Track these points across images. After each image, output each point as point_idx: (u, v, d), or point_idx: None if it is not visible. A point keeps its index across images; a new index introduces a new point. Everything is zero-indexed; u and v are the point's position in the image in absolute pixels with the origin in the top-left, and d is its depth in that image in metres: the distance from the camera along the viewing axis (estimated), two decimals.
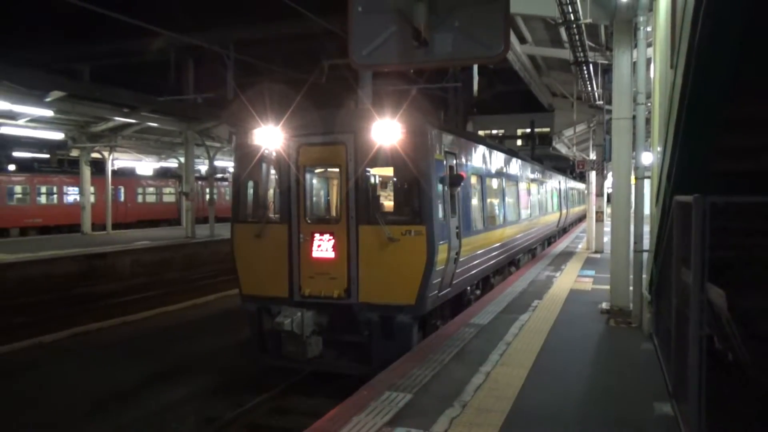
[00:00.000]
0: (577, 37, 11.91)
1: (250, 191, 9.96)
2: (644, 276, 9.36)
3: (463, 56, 3.88)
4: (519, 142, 44.96)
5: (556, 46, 15.64)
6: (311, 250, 8.97)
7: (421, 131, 8.65)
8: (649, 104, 9.74)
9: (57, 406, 8.79)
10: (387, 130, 8.48)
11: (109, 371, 10.26)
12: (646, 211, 9.84)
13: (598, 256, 19.91)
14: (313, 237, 8.97)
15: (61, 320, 14.05)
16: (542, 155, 34.36)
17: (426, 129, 8.73)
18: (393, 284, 8.59)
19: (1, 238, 26.30)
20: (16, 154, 35.13)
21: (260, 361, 9.61)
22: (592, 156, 23.02)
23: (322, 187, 10.73)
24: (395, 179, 9.56)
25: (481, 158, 12.57)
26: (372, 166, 9.00)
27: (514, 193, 16.30)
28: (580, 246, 23.50)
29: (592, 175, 22.53)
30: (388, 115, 8.54)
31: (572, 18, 10.53)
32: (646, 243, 9.45)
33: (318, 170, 9.99)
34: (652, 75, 9.17)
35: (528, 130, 38.75)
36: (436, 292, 9.00)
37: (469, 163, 11.30)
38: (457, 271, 9.92)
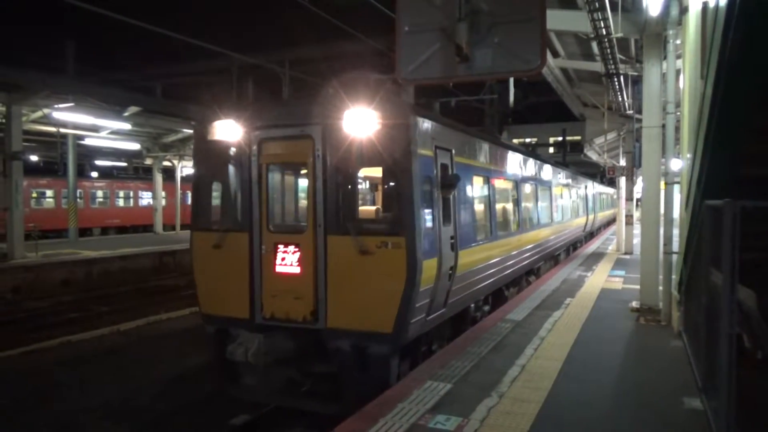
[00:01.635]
0: (608, 50, 11.67)
1: (210, 194, 8.13)
2: (673, 276, 9.08)
3: (501, 70, 3.86)
4: (551, 150, 44.15)
5: (588, 59, 15.35)
6: (274, 264, 7.11)
7: (401, 121, 6.66)
8: (678, 113, 9.47)
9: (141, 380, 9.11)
10: (361, 120, 6.63)
11: (179, 354, 10.55)
12: (675, 214, 9.56)
13: (628, 257, 19.39)
14: (276, 248, 7.12)
15: (137, 310, 14.54)
16: (573, 162, 33.67)
17: (408, 118, 6.70)
18: (367, 307, 6.70)
19: (84, 237, 27.37)
20: (98, 162, 36.61)
21: (223, 391, 7.75)
22: (622, 162, 22.49)
23: (289, 189, 8.51)
24: (371, 179, 8.15)
25: (488, 157, 10.31)
26: (344, 164, 7.10)
27: (531, 197, 14.00)
28: (610, 247, 22.93)
29: (622, 181, 21.99)
30: (364, 102, 6.66)
31: (604, 33, 10.33)
32: (675, 245, 9.18)
33: (285, 169, 8.15)
34: (681, 85, 8.92)
35: (560, 138, 38.04)
36: (423, 315, 7.04)
37: (471, 161, 9.19)
38: (454, 288, 7.90)
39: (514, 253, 11.56)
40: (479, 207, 9.77)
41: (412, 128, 6.74)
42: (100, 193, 32.04)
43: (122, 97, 20.74)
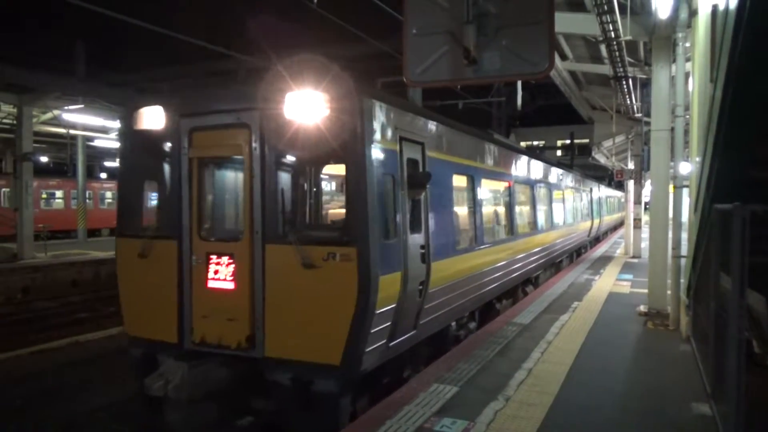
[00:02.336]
0: (617, 53, 11.63)
1: (137, 194, 7.09)
2: (682, 280, 9.02)
3: (509, 73, 3.84)
4: (559, 153, 44.05)
5: (596, 62, 15.29)
6: (206, 278, 6.03)
7: (351, 104, 5.48)
8: (687, 116, 9.42)
9: None
10: (305, 104, 5.49)
11: None
12: (684, 218, 9.50)
13: (635, 260, 19.28)
14: (208, 259, 6.03)
15: None
16: (581, 165, 33.55)
17: (357, 101, 5.52)
18: (310, 334, 5.60)
19: (93, 238, 27.52)
20: (107, 163, 36.81)
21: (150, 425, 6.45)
22: (630, 166, 22.37)
23: (226, 188, 7.20)
24: (317, 176, 6.96)
25: (475, 154, 9.16)
26: (286, 157, 6.26)
27: (526, 200, 12.84)
28: (618, 251, 22.82)
29: (630, 184, 21.89)
30: (309, 83, 5.52)
31: (613, 36, 10.29)
32: (684, 249, 9.13)
33: (220, 164, 6.95)
34: (690, 89, 8.88)
35: (568, 141, 37.94)
36: (384, 342, 5.95)
37: (451, 158, 8.01)
38: (427, 306, 6.84)
39: (506, 262, 10.43)
40: (462, 211, 8.69)
41: (365, 114, 5.55)
42: (109, 194, 32.23)
43: (131, 98, 20.82)
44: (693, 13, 8.33)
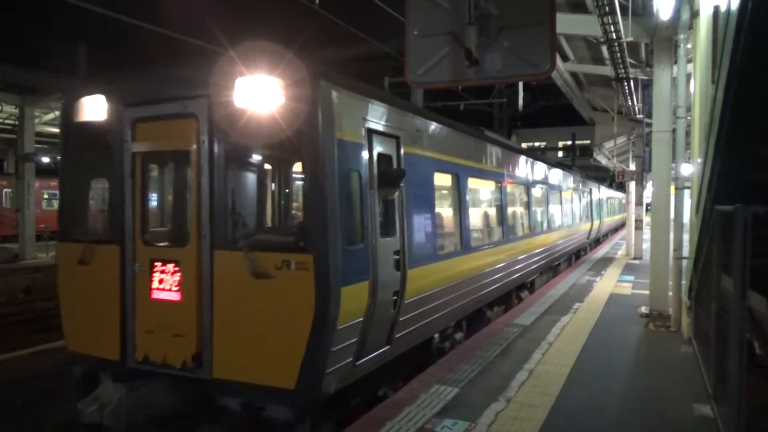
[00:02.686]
0: (618, 54, 11.64)
1: (81, 193, 6.35)
2: (683, 282, 9.01)
3: (511, 74, 3.83)
4: (560, 154, 44.08)
5: (598, 63, 15.30)
6: (150, 288, 5.41)
7: (307, 91, 4.86)
8: (688, 118, 9.42)
9: None
10: (256, 91, 4.89)
11: None
12: (685, 219, 9.50)
13: (637, 262, 19.26)
14: (152, 267, 5.41)
15: None
16: (583, 166, 33.54)
17: (317, 88, 4.91)
18: (262, 352, 4.98)
19: None
20: None
21: None
22: (632, 167, 22.37)
23: (174, 187, 6.49)
24: (270, 173, 6.33)
25: (459, 150, 8.45)
26: (237, 151, 5.59)
27: (520, 201, 12.18)
28: (619, 252, 22.80)
29: (632, 185, 21.89)
30: (262, 67, 4.89)
31: (614, 37, 10.31)
32: (686, 250, 9.12)
33: (166, 159, 6.28)
34: (691, 90, 8.88)
35: (569, 143, 37.94)
36: (349, 360, 5.33)
37: (434, 154, 7.36)
38: (404, 318, 6.22)
39: (497, 267, 9.81)
40: (446, 213, 8.10)
41: (323, 102, 4.95)
42: None
43: None
44: (694, 14, 8.33)
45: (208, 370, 5.16)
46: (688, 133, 10.02)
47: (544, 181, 14.49)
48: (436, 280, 7.13)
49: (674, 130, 9.79)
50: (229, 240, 5.22)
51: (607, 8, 9.29)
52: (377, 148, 5.82)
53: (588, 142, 33.75)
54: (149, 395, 5.29)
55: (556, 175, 16.24)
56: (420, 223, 6.80)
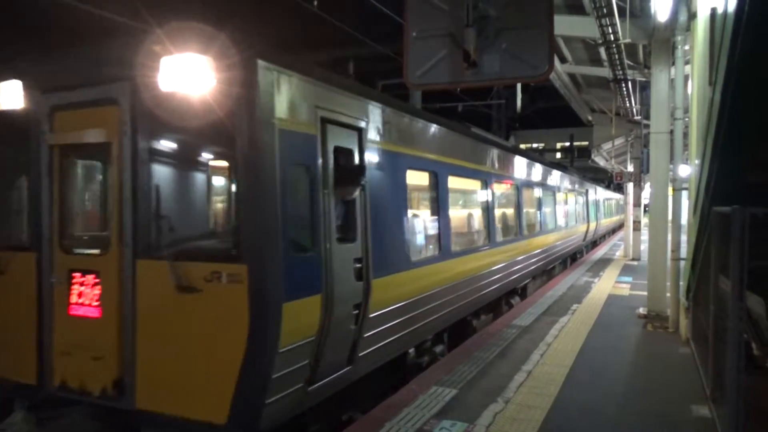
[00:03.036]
0: (616, 56, 11.66)
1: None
2: (681, 283, 9.03)
3: (509, 76, 3.86)
4: (559, 155, 44.13)
5: (596, 64, 15.33)
6: (68, 303, 4.70)
7: (243, 72, 4.19)
8: (686, 119, 9.44)
9: None
10: (186, 71, 4.19)
11: None
12: (683, 220, 9.53)
13: (635, 263, 19.29)
14: (71, 278, 4.71)
15: None
16: (581, 167, 33.58)
17: (256, 69, 4.22)
18: (190, 380, 4.31)
19: None
20: None
21: None
22: (630, 168, 22.41)
23: (98, 185, 5.59)
24: (203, 169, 5.44)
25: (439, 145, 7.71)
26: (164, 144, 4.88)
27: (510, 202, 11.44)
28: (617, 253, 22.84)
29: (630, 187, 21.92)
30: (193, 44, 4.23)
31: (612, 38, 10.33)
32: (683, 251, 9.14)
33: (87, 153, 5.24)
34: (689, 91, 8.91)
35: (567, 144, 38.01)
36: (299, 386, 4.62)
37: (405, 149, 6.62)
38: (369, 334, 5.56)
39: (484, 273, 9.14)
40: (421, 215, 7.43)
41: (262, 84, 4.26)
42: None
43: None
44: (692, 16, 8.35)
45: (130, 399, 4.45)
46: (685, 135, 10.07)
47: (536, 181, 13.76)
48: (410, 290, 6.45)
49: (672, 132, 9.81)
50: (153, 247, 4.50)
51: (604, 10, 9.32)
52: (334, 141, 5.09)
53: (586, 143, 33.81)
54: (66, 428, 4.70)
55: (549, 175, 15.51)
56: (388, 227, 6.05)
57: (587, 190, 22.90)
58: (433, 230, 7.54)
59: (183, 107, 4.29)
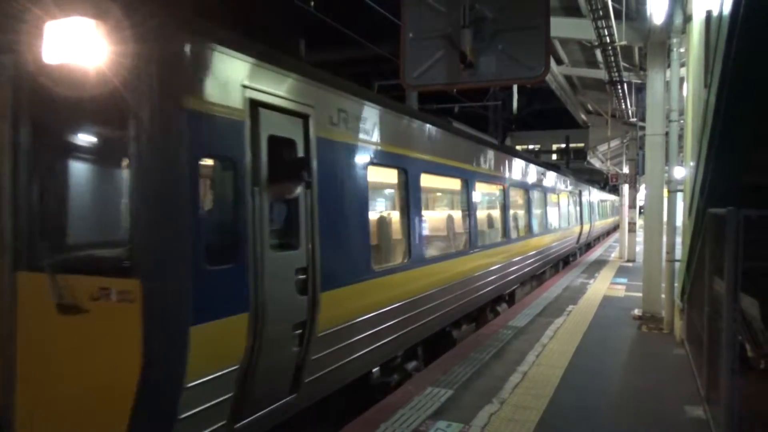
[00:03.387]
0: (612, 58, 11.69)
1: None
2: (676, 284, 9.06)
3: (505, 77, 3.87)
4: (555, 157, 44.23)
5: (592, 66, 15.37)
6: None
7: (142, 40, 3.44)
8: (681, 121, 9.48)
9: None
10: (73, 40, 3.45)
11: None
12: (678, 222, 9.56)
13: (630, 264, 19.35)
14: None
15: None
16: (577, 168, 33.64)
17: (158, 36, 3.51)
18: (78, 420, 3.56)
19: None
20: None
21: None
22: (626, 170, 22.48)
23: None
24: (93, 160, 4.34)
25: (408, 140, 6.79)
26: (50, 129, 3.92)
27: (493, 203, 10.72)
28: (613, 255, 22.90)
29: (625, 188, 21.99)
30: (83, 6, 3.48)
31: (608, 41, 10.36)
32: (678, 253, 9.17)
33: None
34: (684, 93, 8.94)
35: (563, 145, 38.11)
36: (223, 423, 3.89)
37: (363, 142, 5.69)
38: (317, 357, 4.78)
39: (464, 280, 8.33)
40: (387, 217, 6.80)
41: (165, 55, 3.52)
42: None
43: None
44: (687, 18, 8.39)
45: None
46: (681, 137, 10.09)
47: (524, 181, 12.77)
48: (372, 302, 5.69)
49: (667, 134, 9.84)
50: (35, 257, 3.69)
51: (600, 12, 9.34)
52: (269, 129, 4.27)
53: (582, 145, 33.91)
54: None
55: (539, 175, 14.53)
56: (344, 232, 5.29)
57: (580, 191, 22.31)
58: (402, 234, 6.70)
59: (72, 84, 3.50)
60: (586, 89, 19.58)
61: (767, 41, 3.83)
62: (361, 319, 5.51)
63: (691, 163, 7.46)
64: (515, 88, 21.72)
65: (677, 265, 9.07)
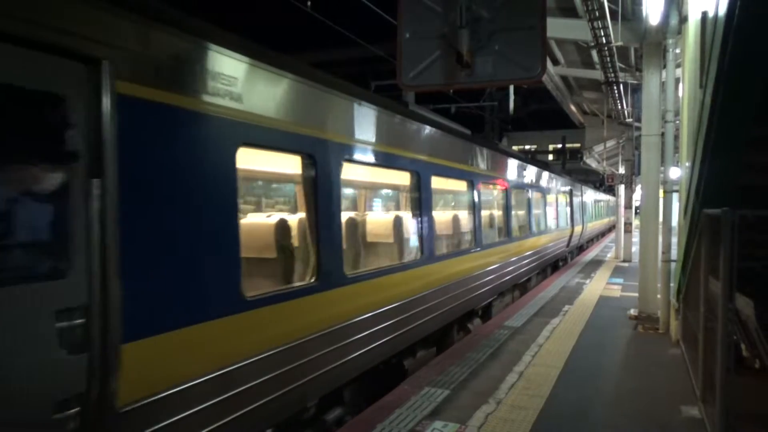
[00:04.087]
0: (608, 59, 11.72)
1: None
2: (672, 284, 9.09)
3: (502, 78, 3.86)
4: (551, 157, 44.32)
5: (588, 67, 15.41)
6: None
7: None
8: (677, 122, 9.50)
9: None
10: None
11: None
12: (674, 222, 9.58)
13: (626, 264, 19.39)
14: None
15: None
16: (573, 169, 33.70)
17: None
18: None
19: None
20: None
21: None
22: (622, 170, 22.53)
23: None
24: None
25: (314, 110, 4.83)
26: None
27: (460, 202, 9.24)
28: (609, 255, 22.95)
29: (621, 189, 22.04)
30: None
31: (604, 41, 10.38)
32: (674, 253, 9.19)
33: None
34: (680, 94, 8.96)
35: (560, 146, 38.19)
36: None
37: (225, 111, 3.83)
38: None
39: (417, 297, 6.81)
40: (289, 220, 5.26)
41: None
42: None
43: None
44: (683, 19, 8.41)
45: None
46: (676, 137, 10.13)
47: (504, 178, 11.12)
48: (246, 344, 3.95)
49: (663, 134, 9.87)
50: None
51: (597, 13, 9.36)
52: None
53: (578, 145, 33.96)
54: None
55: (522, 172, 12.78)
56: (186, 243, 3.55)
57: (571, 190, 20.77)
58: (309, 244, 4.92)
59: None
60: (582, 89, 19.63)
61: (762, 42, 3.85)
62: (225, 371, 3.74)
63: (687, 164, 7.48)
64: (512, 88, 21.73)
65: (673, 265, 9.09)
